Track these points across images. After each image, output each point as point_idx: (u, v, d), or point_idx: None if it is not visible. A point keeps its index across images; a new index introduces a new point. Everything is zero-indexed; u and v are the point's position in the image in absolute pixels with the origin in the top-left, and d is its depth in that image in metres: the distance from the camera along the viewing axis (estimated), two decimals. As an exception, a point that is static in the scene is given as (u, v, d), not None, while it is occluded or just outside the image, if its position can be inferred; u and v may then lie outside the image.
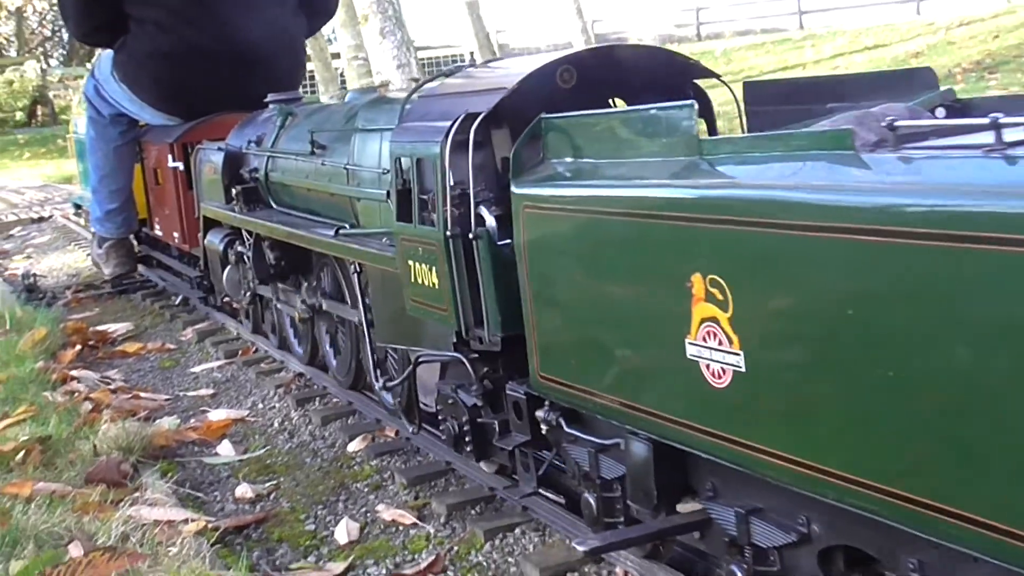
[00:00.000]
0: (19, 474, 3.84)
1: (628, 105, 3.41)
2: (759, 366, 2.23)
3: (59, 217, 13.29)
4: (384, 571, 3.26)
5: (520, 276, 2.97)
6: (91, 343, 6.49)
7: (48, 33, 38.26)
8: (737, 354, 2.27)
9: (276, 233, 4.80)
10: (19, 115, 30.56)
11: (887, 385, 1.93)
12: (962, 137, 2.02)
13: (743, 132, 3.27)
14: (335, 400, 4.89)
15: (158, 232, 7.64)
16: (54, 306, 7.75)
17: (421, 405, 3.86)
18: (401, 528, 3.53)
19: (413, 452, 4.13)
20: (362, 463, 4.14)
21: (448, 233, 3.16)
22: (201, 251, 6.10)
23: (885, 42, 19.98)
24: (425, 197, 3.30)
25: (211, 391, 5.42)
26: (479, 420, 3.39)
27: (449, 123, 3.19)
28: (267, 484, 4.05)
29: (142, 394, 5.34)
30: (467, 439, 3.43)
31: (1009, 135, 1.83)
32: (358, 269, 4.15)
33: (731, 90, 3.27)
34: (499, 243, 3.08)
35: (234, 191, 5.26)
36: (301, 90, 6.89)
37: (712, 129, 3.45)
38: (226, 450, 4.44)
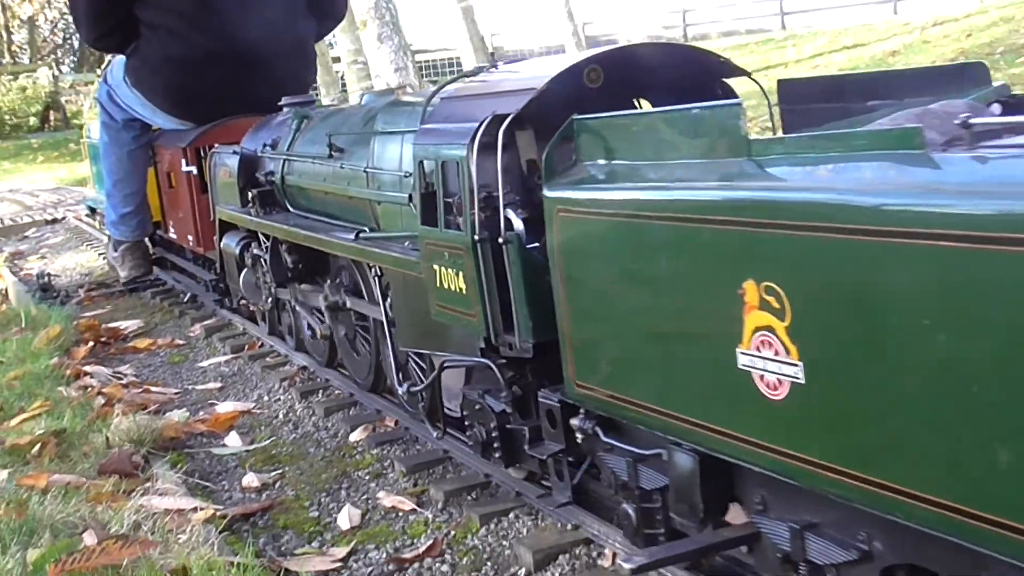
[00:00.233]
0: (35, 466, 3.84)
1: (653, 106, 3.20)
2: (821, 377, 2.02)
3: (72, 219, 13.11)
4: (384, 555, 3.24)
5: (553, 281, 2.76)
6: (103, 340, 6.47)
7: (59, 41, 37.92)
8: (795, 364, 2.06)
9: (295, 236, 4.57)
10: (32, 120, 30.32)
11: (971, 401, 1.72)
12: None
13: (773, 132, 3.07)
14: (337, 392, 4.83)
15: (172, 235, 7.43)
16: (68, 304, 7.70)
17: (445, 410, 3.65)
18: (401, 514, 3.51)
19: (412, 441, 4.11)
20: (363, 452, 4.12)
21: (476, 237, 2.95)
22: (217, 254, 5.88)
23: (863, 41, 19.77)
24: (450, 200, 3.08)
25: (219, 385, 5.39)
26: (508, 426, 3.18)
27: (475, 125, 2.98)
28: (273, 473, 4.03)
29: (152, 388, 5.33)
30: (495, 445, 3.22)
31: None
32: (379, 273, 3.94)
33: (762, 89, 3.05)
34: (528, 247, 2.87)
35: (250, 194, 5.03)
36: (302, 93, 6.66)
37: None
38: (233, 441, 4.43)
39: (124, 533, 3.08)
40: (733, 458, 2.31)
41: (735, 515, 2.53)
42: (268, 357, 5.65)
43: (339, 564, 3.20)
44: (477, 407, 3.29)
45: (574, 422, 2.85)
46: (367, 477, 3.87)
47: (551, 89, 2.92)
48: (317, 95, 17.10)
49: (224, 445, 4.39)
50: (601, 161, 2.68)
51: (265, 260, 5.01)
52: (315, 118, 4.87)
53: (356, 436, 4.27)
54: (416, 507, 3.52)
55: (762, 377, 2.14)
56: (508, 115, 2.89)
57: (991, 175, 1.73)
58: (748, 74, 3.09)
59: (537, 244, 2.93)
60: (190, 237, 6.82)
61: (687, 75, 3.13)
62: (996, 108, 2.33)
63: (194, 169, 6.57)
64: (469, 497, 3.51)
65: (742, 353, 2.18)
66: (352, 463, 4.03)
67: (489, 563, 3.11)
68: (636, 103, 3.25)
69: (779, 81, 2.89)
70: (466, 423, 3.40)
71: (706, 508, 2.47)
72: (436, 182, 3.14)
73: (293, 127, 4.92)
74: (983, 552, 1.76)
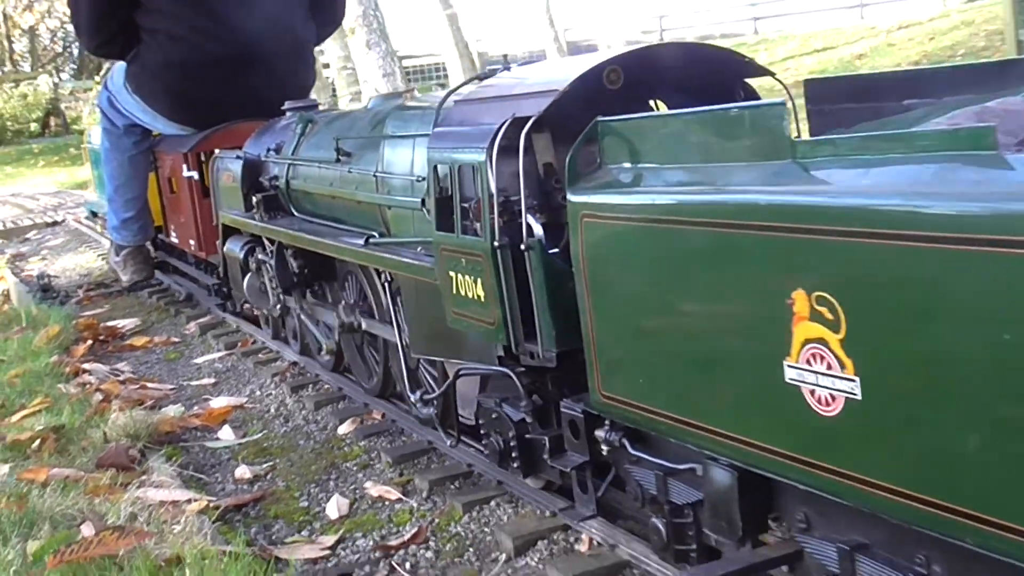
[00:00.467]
0: (35, 461, 3.84)
1: (668, 107, 2.98)
2: (879, 393, 1.82)
3: (72, 221, 12.85)
4: (371, 543, 3.22)
5: (578, 289, 2.54)
6: (101, 338, 6.39)
7: (59, 49, 37.41)
8: (851, 380, 1.85)
9: (301, 241, 4.33)
10: (33, 126, 29.89)
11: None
12: None
13: (799, 133, 2.86)
14: (326, 387, 4.77)
15: (174, 239, 7.17)
16: (67, 304, 7.62)
17: (459, 418, 3.43)
18: (387, 503, 3.50)
19: (398, 433, 4.08)
20: (351, 444, 4.11)
21: (496, 244, 2.74)
22: (220, 259, 5.63)
23: (832, 45, 19.62)
24: (467, 205, 2.86)
25: (212, 380, 5.34)
26: (527, 436, 2.97)
27: (492, 128, 2.76)
28: (264, 465, 4.01)
29: (149, 384, 5.28)
30: (514, 455, 3.01)
31: None
32: (389, 278, 3.71)
33: (786, 89, 2.84)
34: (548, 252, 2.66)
35: (254, 199, 4.78)
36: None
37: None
38: (226, 435, 4.40)
39: (121, 524, 3.09)
40: (777, 475, 2.10)
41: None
42: (260, 353, 5.58)
43: (328, 552, 3.19)
44: (494, 416, 3.07)
45: (599, 433, 2.64)
46: (355, 468, 3.86)
47: (570, 91, 2.71)
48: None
49: (217, 439, 4.37)
50: (627, 164, 2.47)
51: (270, 265, 4.77)
52: (320, 122, 4.62)
53: (344, 429, 4.24)
54: (402, 496, 3.51)
55: (812, 392, 1.94)
56: (529, 118, 2.68)
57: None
58: (772, 74, 2.89)
59: (556, 249, 2.72)
60: (192, 242, 6.58)
61: (706, 75, 2.93)
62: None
63: (195, 174, 6.34)
64: (452, 486, 3.50)
65: (790, 366, 1.97)
66: (340, 455, 4.01)
67: (471, 549, 3.10)
68: (653, 104, 3.04)
69: (805, 81, 2.69)
70: (482, 432, 3.18)
71: (745, 525, 2.26)
72: (451, 187, 2.92)
73: (297, 131, 4.68)
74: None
